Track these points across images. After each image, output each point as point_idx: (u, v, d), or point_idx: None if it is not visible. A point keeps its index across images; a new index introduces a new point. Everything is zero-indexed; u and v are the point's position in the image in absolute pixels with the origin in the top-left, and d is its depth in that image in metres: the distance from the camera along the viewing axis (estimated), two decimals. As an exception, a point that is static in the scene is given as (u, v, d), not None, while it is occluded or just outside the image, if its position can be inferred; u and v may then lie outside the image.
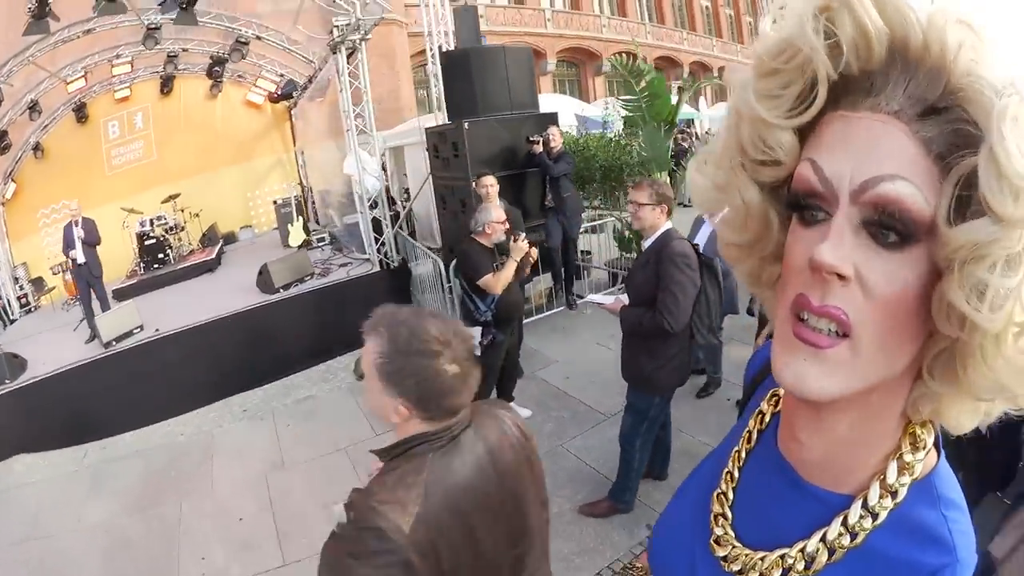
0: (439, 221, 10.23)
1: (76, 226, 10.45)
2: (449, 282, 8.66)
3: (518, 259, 5.75)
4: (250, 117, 18.33)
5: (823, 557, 0.81)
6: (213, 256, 15.00)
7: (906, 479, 0.80)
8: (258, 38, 13.57)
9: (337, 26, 10.08)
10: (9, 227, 16.98)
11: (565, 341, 8.46)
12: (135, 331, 9.85)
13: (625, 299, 4.55)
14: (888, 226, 0.67)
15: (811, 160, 0.71)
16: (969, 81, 0.64)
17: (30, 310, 16.34)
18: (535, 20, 32.21)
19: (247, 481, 6.75)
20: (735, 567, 0.90)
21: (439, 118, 10.16)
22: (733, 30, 46.40)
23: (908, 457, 0.80)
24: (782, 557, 0.84)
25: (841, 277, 0.67)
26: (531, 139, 8.74)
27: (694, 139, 21.84)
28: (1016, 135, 0.59)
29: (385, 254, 11.00)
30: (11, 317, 15.69)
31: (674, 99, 9.76)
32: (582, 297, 9.27)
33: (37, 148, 16.34)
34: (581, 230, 9.61)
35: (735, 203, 0.82)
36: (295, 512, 6.04)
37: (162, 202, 16.16)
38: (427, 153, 10.41)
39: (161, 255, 15.24)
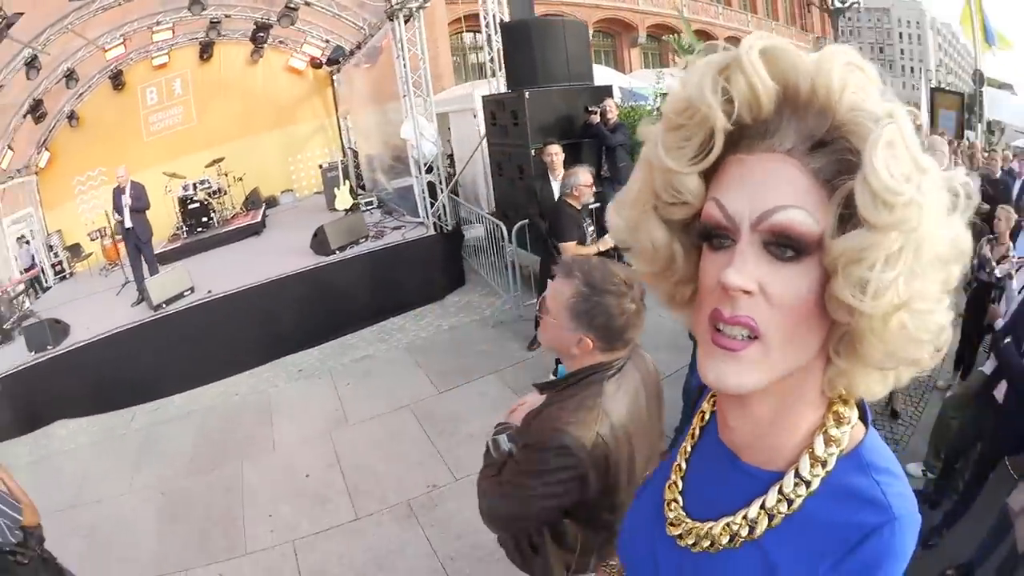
0: (494, 187, 10.32)
1: (123, 192, 10.47)
2: (510, 243, 8.73)
3: (602, 250, 6.04)
4: (291, 82, 18.41)
5: (763, 522, 0.92)
6: (258, 219, 15.07)
7: (833, 450, 0.91)
8: (307, 3, 13.55)
9: None
10: (43, 195, 17.12)
11: None
12: (185, 293, 9.89)
13: None
14: (784, 245, 0.78)
15: (715, 199, 0.82)
16: (852, 115, 0.76)
17: (64, 277, 16.47)
18: (570, -10, 31.90)
19: (310, 439, 6.83)
20: (689, 541, 1.00)
21: (492, 86, 10.17)
22: (768, 6, 46.04)
23: (833, 431, 0.91)
24: (727, 524, 0.95)
25: (746, 292, 0.78)
26: (589, 109, 8.82)
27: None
28: (887, 157, 0.71)
29: (439, 217, 11.05)
30: (46, 284, 15.90)
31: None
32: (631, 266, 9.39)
33: (72, 116, 16.37)
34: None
35: (644, 242, 0.93)
36: (364, 467, 6.11)
37: (206, 166, 16.22)
38: (482, 120, 10.53)
39: (205, 219, 15.30)
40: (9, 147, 14.79)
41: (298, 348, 8.97)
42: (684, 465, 1.11)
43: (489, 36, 10.17)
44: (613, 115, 8.91)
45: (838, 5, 16.02)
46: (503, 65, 10.09)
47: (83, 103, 16.48)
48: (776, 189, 0.78)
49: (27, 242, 16.44)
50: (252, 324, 9.05)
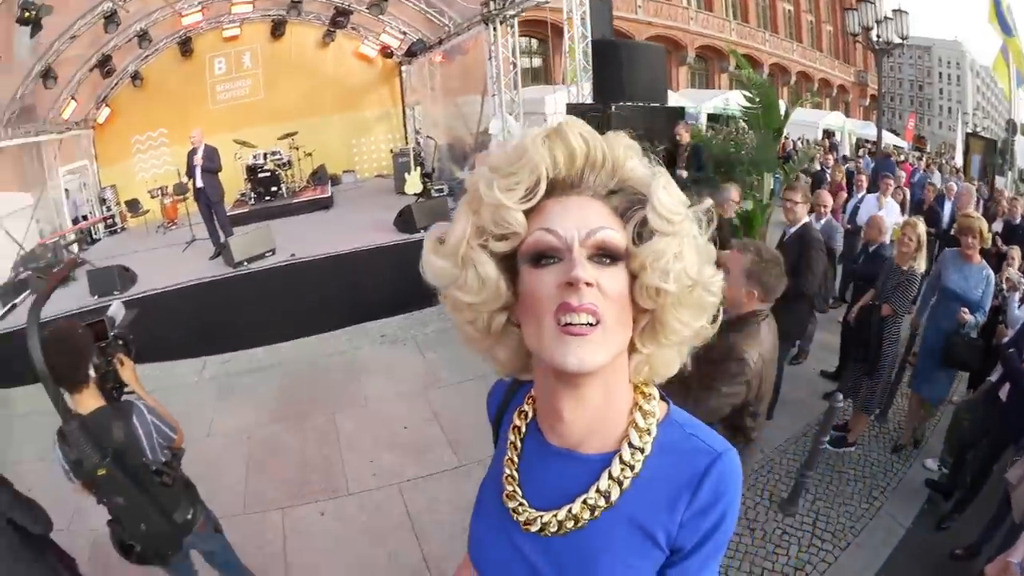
0: None
1: (196, 153, 10.84)
2: None
3: None
4: (360, 68, 18.96)
5: (615, 489, 1.13)
6: (328, 194, 15.51)
7: (652, 421, 1.17)
8: None
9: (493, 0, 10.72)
10: (99, 150, 17.50)
11: None
12: (267, 254, 10.34)
13: None
14: (604, 255, 1.04)
15: (546, 228, 1.05)
16: (632, 173, 1.09)
17: (115, 231, 16.95)
18: (626, 5, 32.31)
19: (404, 397, 7.21)
20: (543, 528, 1.17)
21: (573, 94, 10.69)
22: (813, 37, 46.24)
23: (646, 406, 1.18)
24: (584, 501, 1.15)
25: (588, 284, 0.99)
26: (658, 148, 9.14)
27: (795, 146, 22.19)
28: (665, 194, 1.04)
29: None
30: (95, 236, 16.33)
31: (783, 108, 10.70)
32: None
33: (136, 76, 16.80)
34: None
35: (472, 276, 1.10)
36: (462, 423, 6.42)
37: (278, 138, 16.61)
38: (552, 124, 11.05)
39: (274, 188, 15.67)
40: (73, 98, 15.00)
41: (379, 316, 9.27)
42: (516, 474, 1.26)
43: (572, 48, 10.69)
44: (685, 139, 9.21)
45: (882, 45, 16.29)
46: (589, 78, 10.57)
47: (148, 65, 16.91)
48: (594, 216, 1.06)
49: (78, 192, 16.78)
50: (335, 289, 9.41)
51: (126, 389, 3.81)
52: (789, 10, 44.10)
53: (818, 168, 15.45)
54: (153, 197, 16.11)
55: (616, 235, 1.05)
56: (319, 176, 17.09)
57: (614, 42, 10.98)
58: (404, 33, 16.75)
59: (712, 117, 23.35)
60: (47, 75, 13.18)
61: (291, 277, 9.45)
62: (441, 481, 5.64)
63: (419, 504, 5.37)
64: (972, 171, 19.16)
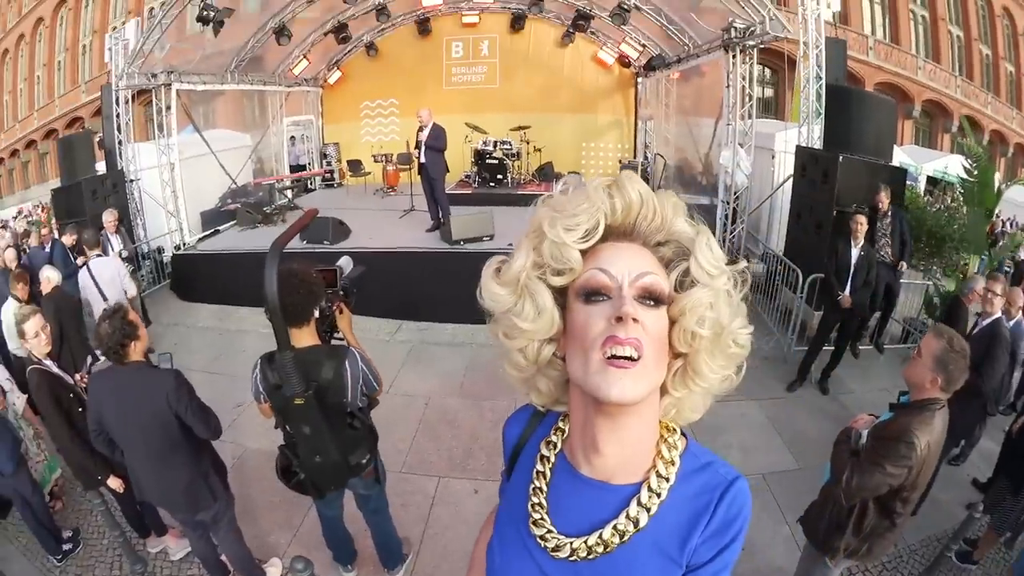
0: (788, 232, 10.83)
1: (423, 131, 11.23)
2: (794, 289, 9.31)
3: None
4: (596, 73, 19.02)
5: (644, 516, 1.22)
6: (552, 191, 15.56)
7: (676, 454, 1.26)
8: (637, 8, 14.00)
9: (735, 27, 10.81)
10: (326, 108, 18.81)
11: (863, 377, 8.76)
12: (485, 239, 10.79)
13: None
14: (648, 297, 1.14)
15: (600, 268, 1.16)
16: (679, 228, 1.22)
17: (332, 185, 18.31)
18: (858, 45, 31.53)
19: None
20: (562, 554, 1.26)
21: (803, 135, 10.67)
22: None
23: (670, 440, 1.28)
24: (615, 527, 1.23)
25: (635, 320, 1.09)
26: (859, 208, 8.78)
27: (1003, 227, 21.29)
28: (707, 250, 1.17)
29: (731, 243, 11.77)
30: (310, 186, 17.71)
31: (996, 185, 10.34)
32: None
33: (371, 47, 17.92)
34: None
35: (529, 306, 1.22)
36: None
37: (511, 129, 17.17)
38: (779, 163, 11.42)
39: (500, 176, 16.06)
40: (305, 56, 16.12)
41: None
42: (545, 503, 1.33)
43: (807, 88, 10.68)
44: (884, 205, 8.98)
45: None
46: (819, 120, 10.53)
47: (384, 38, 17.94)
48: (643, 262, 1.17)
49: (301, 143, 18.28)
50: None
51: (336, 334, 4.13)
52: (1011, 72, 41.49)
53: (1023, 258, 14.49)
54: (377, 162, 16.88)
55: (661, 281, 1.16)
56: (545, 172, 17.39)
57: (848, 89, 10.84)
58: (643, 46, 16.79)
59: (931, 180, 22.38)
60: (281, 32, 14.05)
61: None
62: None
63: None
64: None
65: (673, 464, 1.26)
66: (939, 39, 36.12)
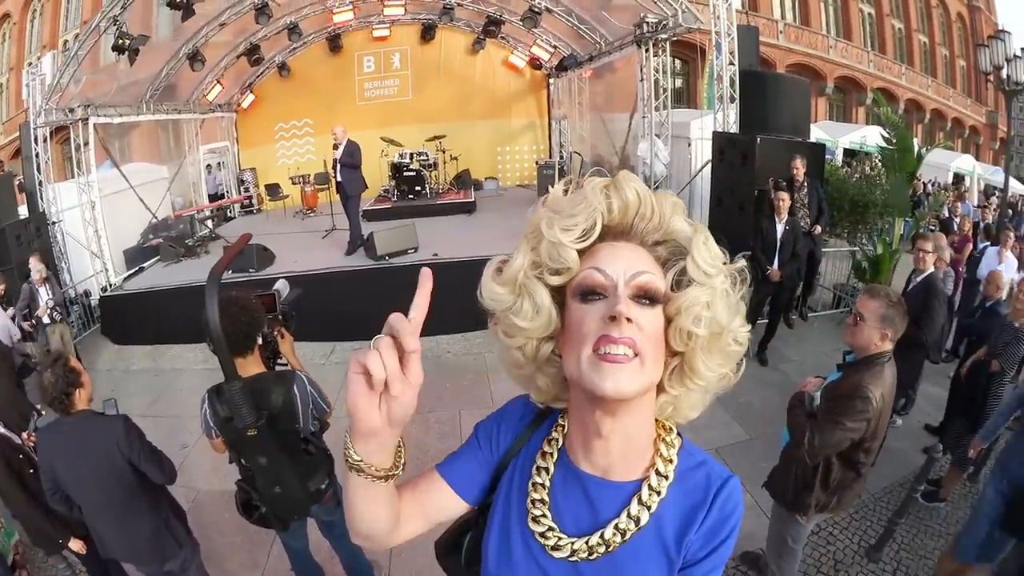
0: (710, 215, 10.93)
1: (337, 148, 11.10)
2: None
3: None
4: (508, 77, 19.18)
5: (644, 514, 1.24)
6: (471, 199, 15.68)
7: (673, 451, 1.30)
8: (548, 11, 14.09)
9: (648, 22, 11.01)
10: (241, 133, 18.54)
11: (798, 345, 9.01)
12: (409, 251, 10.71)
13: None
14: (644, 296, 1.15)
15: (596, 268, 1.17)
16: (676, 227, 1.23)
17: (251, 211, 17.99)
18: (768, 30, 32.02)
19: None
20: (563, 554, 1.28)
21: (718, 121, 10.84)
22: (948, 73, 44.90)
23: (667, 439, 1.31)
24: (616, 526, 1.25)
25: (629, 320, 1.10)
26: (777, 181, 9.25)
27: (925, 189, 21.82)
28: (704, 248, 1.17)
29: None
30: (229, 214, 17.41)
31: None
32: (813, 311, 10.07)
33: (283, 67, 17.73)
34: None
35: (527, 304, 1.22)
36: None
37: (426, 140, 17.08)
38: (696, 150, 11.63)
39: (418, 187, 15.87)
40: (218, 82, 15.95)
41: None
42: (547, 499, 1.34)
43: (720, 76, 10.88)
44: (800, 175, 9.30)
45: (1014, 87, 15.67)
46: (735, 106, 10.75)
47: (296, 57, 17.78)
48: (639, 262, 1.18)
49: (217, 171, 17.93)
50: (473, 292, 9.47)
51: (280, 360, 4.12)
52: (924, 42, 42.85)
53: (947, 215, 15.09)
54: (294, 184, 16.77)
55: (657, 280, 1.17)
56: (463, 180, 17.46)
57: (761, 73, 11.22)
58: (555, 47, 16.92)
59: (849, 152, 22.96)
60: (194, 58, 13.87)
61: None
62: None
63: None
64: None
65: (672, 462, 1.28)
66: (850, 17, 37.32)
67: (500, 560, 1.37)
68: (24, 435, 4.61)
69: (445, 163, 17.58)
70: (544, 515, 1.32)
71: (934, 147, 13.54)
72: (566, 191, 1.26)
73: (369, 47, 18.30)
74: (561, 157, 18.36)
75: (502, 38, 17.73)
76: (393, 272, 10.17)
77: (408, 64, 18.50)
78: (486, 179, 19.06)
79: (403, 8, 15.96)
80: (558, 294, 1.23)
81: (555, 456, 1.37)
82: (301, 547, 4.37)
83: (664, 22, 10.90)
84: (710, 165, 11.02)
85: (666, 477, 1.26)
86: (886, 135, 10.56)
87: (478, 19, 16.93)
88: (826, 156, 12.24)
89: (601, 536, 1.24)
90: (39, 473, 3.94)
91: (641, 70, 11.55)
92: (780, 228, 8.20)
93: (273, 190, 17.69)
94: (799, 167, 9.26)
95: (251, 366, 3.59)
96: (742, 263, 1.25)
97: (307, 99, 18.36)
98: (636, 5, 11.28)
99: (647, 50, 11.41)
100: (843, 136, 24.24)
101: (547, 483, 1.35)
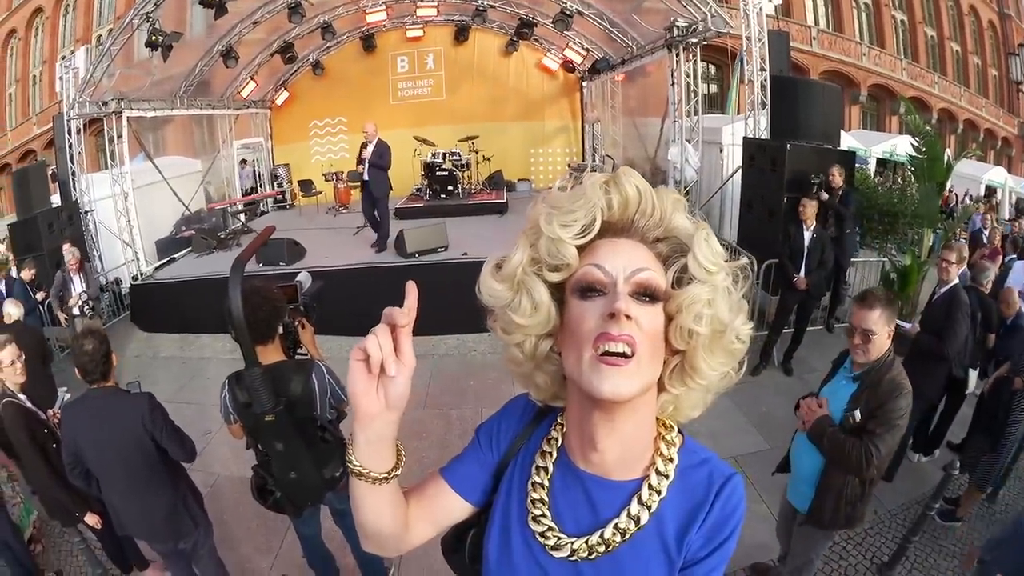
0: (740, 222, 10.97)
1: (367, 147, 11.02)
2: (757, 279, 9.37)
3: None
4: (541, 80, 19.18)
5: (645, 514, 1.23)
6: (503, 199, 15.60)
7: (674, 450, 1.28)
8: (579, 13, 14.16)
9: (678, 26, 11.00)
10: (275, 130, 18.70)
11: (824, 356, 8.67)
12: (439, 249, 10.72)
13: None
14: (644, 294, 1.12)
15: (595, 264, 1.15)
16: (678, 224, 1.19)
17: (284, 206, 18.13)
18: (802, 36, 31.94)
19: None
20: (562, 553, 1.27)
21: (749, 127, 10.87)
22: (979, 81, 44.53)
23: (668, 437, 1.29)
24: (616, 526, 1.24)
25: (628, 317, 1.07)
26: (813, 181, 9.26)
27: (957, 200, 21.49)
28: (705, 245, 1.15)
29: None
30: (262, 209, 17.60)
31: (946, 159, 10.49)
32: (840, 321, 9.83)
33: (317, 65, 17.84)
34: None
35: (526, 301, 1.20)
36: None
37: (459, 140, 16.99)
38: (728, 155, 11.51)
39: (450, 187, 15.87)
40: (252, 78, 16.10)
41: None
42: (547, 498, 1.33)
43: (751, 81, 10.83)
44: (837, 182, 9.26)
45: None
46: (765, 112, 10.71)
47: (329, 55, 17.82)
48: (639, 258, 1.15)
49: (251, 166, 18.18)
50: None
51: (300, 350, 4.17)
52: (957, 51, 42.48)
53: (977, 227, 14.91)
54: (327, 180, 16.75)
55: (657, 277, 1.14)
56: (495, 181, 17.43)
57: (793, 79, 11.14)
58: (587, 50, 16.88)
59: (881, 162, 22.78)
60: (228, 55, 14.02)
61: (460, 275, 9.26)
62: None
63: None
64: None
65: (672, 461, 1.26)
66: (883, 25, 36.85)
67: (500, 559, 1.37)
68: (50, 411, 4.71)
69: (478, 164, 17.48)
70: (544, 515, 1.31)
71: (963, 156, 13.40)
72: (564, 187, 1.24)
73: (403, 47, 18.34)
74: (594, 160, 18.34)
75: (535, 40, 17.68)
76: (421, 270, 10.13)
77: (442, 65, 18.53)
78: (519, 180, 18.97)
79: (436, 9, 16.02)
80: (557, 291, 1.22)
81: (555, 455, 1.36)
82: (313, 534, 4.41)
83: (694, 26, 10.90)
84: (740, 171, 10.98)
85: (667, 476, 1.25)
86: (916, 143, 10.46)
87: (511, 21, 16.93)
88: (858, 164, 12.15)
89: (601, 536, 1.24)
90: (61, 448, 4.02)
91: (672, 74, 11.52)
92: (807, 235, 8.15)
93: (306, 186, 17.80)
94: (836, 174, 9.21)
95: (271, 354, 3.64)
96: (744, 260, 1.23)
97: (341, 97, 18.44)
98: (666, 9, 11.28)
99: (677, 54, 11.39)
100: (876, 145, 23.90)
101: (546, 482, 1.34)
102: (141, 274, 12.24)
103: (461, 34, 17.92)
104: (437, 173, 15.90)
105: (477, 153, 17.42)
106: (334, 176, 16.63)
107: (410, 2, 15.67)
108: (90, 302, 9.48)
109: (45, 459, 4.37)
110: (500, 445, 1.49)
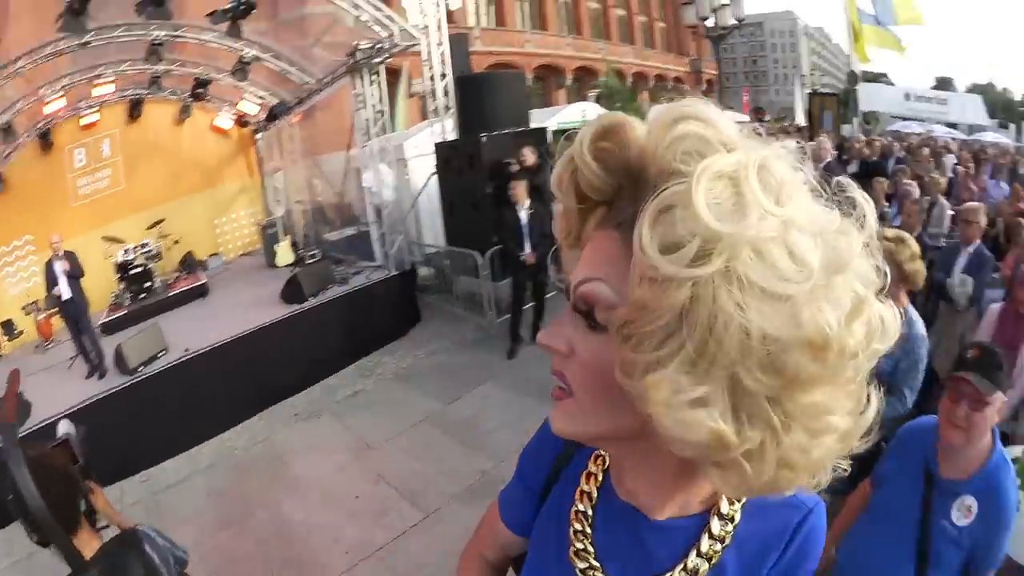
0: (444, 224, 11.22)
1: (58, 259, 9.89)
2: (476, 273, 9.84)
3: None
4: (216, 143, 18.59)
5: (703, 565, 0.98)
6: (203, 281, 14.92)
7: None
8: (257, 59, 13.89)
9: (361, 49, 11.00)
10: None
11: None
12: (160, 354, 9.63)
13: None
14: (584, 312, 0.81)
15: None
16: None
17: (-5, 358, 15.35)
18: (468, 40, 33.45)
19: (341, 468, 6.94)
20: None
21: (436, 132, 11.23)
22: (646, 36, 48.52)
23: None
24: None
25: (555, 351, 0.85)
26: (506, 161, 9.70)
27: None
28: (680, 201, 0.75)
29: (400, 258, 11.88)
30: (-31, 369, 15.27)
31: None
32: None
33: None
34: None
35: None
36: (410, 474, 6.40)
37: (147, 228, 16.06)
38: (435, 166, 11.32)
39: (148, 284, 14.78)
40: None
41: (285, 395, 9.13)
42: (589, 531, 1.09)
43: (433, 89, 11.14)
44: (530, 160, 9.62)
45: (720, 32, 16.81)
46: (451, 114, 11.05)
47: (10, 164, 15.31)
48: (595, 262, 0.82)
49: None
50: (236, 377, 8.97)
51: (95, 519, 3.17)
52: (622, 15, 46.20)
53: None
54: (28, 314, 14.63)
55: (605, 290, 0.80)
56: (189, 264, 16.63)
57: (477, 76, 11.65)
58: (261, 98, 16.66)
59: (557, 133, 24.11)
60: None
61: (188, 374, 8.92)
62: (414, 537, 5.50)
63: (405, 565, 5.21)
64: (826, 125, 20.20)
65: (739, 499, 1.00)
66: (546, 10, 39.98)
67: None
68: None
69: (168, 249, 16.67)
70: (587, 549, 1.08)
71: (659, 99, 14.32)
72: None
73: (78, 137, 16.63)
74: (281, 214, 18.22)
75: (208, 100, 17.11)
76: (151, 382, 9.06)
77: (118, 149, 17.17)
78: (210, 256, 18.03)
79: (114, 84, 15.00)
80: None
81: (600, 479, 1.13)
82: None
83: (379, 45, 10.92)
84: (436, 178, 11.20)
85: (731, 519, 1.00)
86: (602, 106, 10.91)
87: (185, 85, 16.27)
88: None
89: None
90: None
91: (357, 99, 11.44)
92: (524, 214, 8.53)
93: (7, 328, 15.30)
94: (528, 154, 9.58)
95: (87, 540, 2.71)
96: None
97: (23, 214, 16.13)
98: (347, 38, 11.35)
99: (362, 77, 11.36)
100: (550, 119, 25.49)
101: (590, 511, 1.11)
102: None
103: (135, 110, 16.79)
104: (131, 272, 14.82)
105: (166, 237, 16.56)
106: (33, 306, 14.49)
107: (85, 83, 14.45)
108: None
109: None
110: (541, 469, 1.27)
